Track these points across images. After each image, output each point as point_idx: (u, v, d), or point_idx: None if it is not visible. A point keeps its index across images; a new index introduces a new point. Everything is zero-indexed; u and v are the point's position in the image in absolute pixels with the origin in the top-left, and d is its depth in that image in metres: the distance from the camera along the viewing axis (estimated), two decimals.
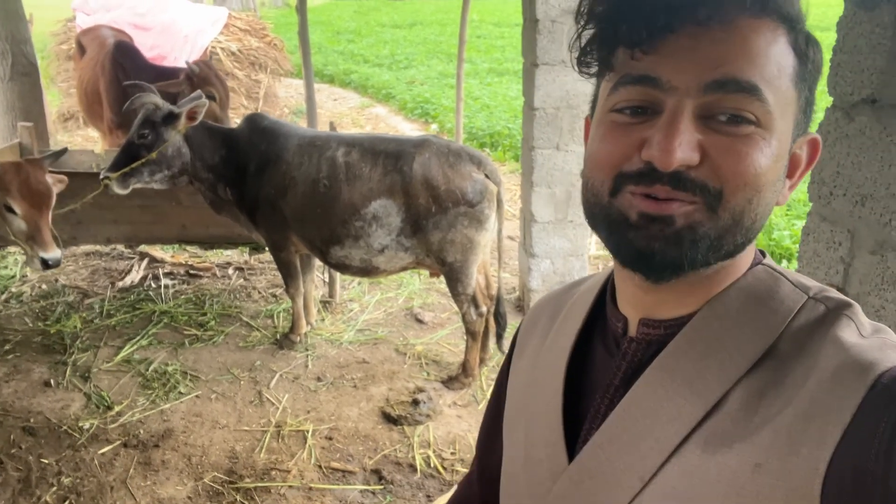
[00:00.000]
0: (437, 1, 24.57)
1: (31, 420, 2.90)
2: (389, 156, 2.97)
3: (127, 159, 3.03)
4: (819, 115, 1.14)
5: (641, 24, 0.54)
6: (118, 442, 2.77)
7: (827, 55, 1.01)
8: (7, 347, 3.46)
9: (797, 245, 1.49)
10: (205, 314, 3.83)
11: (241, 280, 4.30)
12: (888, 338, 0.55)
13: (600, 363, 0.68)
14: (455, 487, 0.99)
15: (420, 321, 3.83)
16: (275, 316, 3.86)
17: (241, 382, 3.22)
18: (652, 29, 0.54)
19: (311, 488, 2.54)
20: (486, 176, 2.95)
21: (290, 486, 2.54)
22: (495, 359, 3.40)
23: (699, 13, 0.53)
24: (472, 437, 2.85)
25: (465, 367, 3.21)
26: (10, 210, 2.76)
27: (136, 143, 3.04)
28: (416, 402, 2.99)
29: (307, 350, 3.49)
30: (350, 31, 17.26)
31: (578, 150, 3.64)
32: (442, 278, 3.19)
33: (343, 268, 3.20)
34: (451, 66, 10.96)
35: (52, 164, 2.99)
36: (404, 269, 3.22)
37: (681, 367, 0.59)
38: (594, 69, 0.61)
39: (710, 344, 0.58)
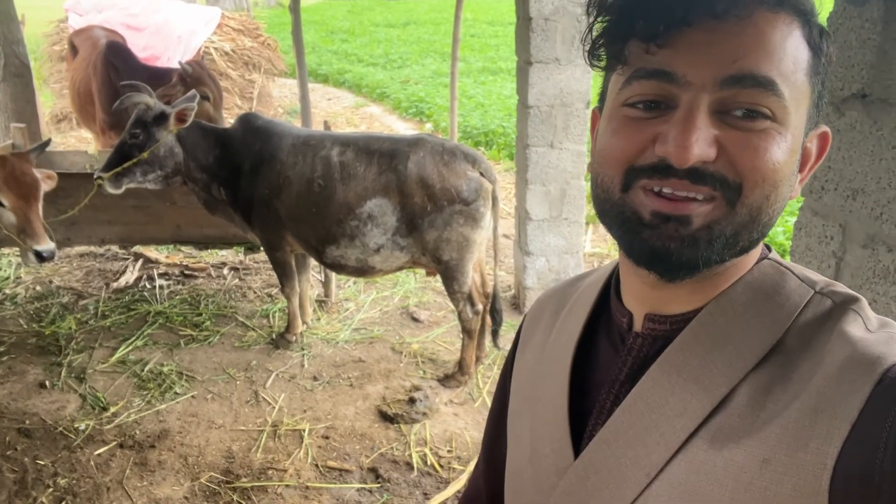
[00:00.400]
0: (431, 0, 24.55)
1: (27, 422, 2.89)
2: (384, 155, 2.98)
3: (120, 159, 3.04)
4: None
5: (658, 17, 0.53)
6: (114, 443, 2.77)
7: None
8: (2, 349, 3.44)
9: (790, 241, 1.50)
10: (200, 314, 3.82)
11: (237, 280, 4.30)
12: (895, 332, 0.54)
13: (605, 358, 0.68)
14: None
15: (416, 319, 3.83)
16: (270, 315, 3.86)
17: (237, 382, 3.21)
18: (668, 22, 0.53)
19: (307, 487, 2.55)
20: (481, 174, 2.96)
21: (287, 486, 2.54)
22: (491, 356, 3.41)
23: (716, 6, 0.52)
24: (469, 435, 2.86)
25: (461, 365, 3.21)
26: None
27: (128, 143, 3.05)
28: (412, 401, 2.99)
29: (303, 349, 3.49)
30: (344, 30, 17.23)
31: (573, 147, 3.65)
32: (438, 277, 3.19)
33: (339, 268, 3.20)
34: (446, 64, 10.96)
35: (39, 156, 3.01)
36: (400, 268, 3.22)
37: (687, 362, 0.59)
38: (604, 62, 0.60)
39: (717, 339, 0.58)
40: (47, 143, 3.13)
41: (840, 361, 0.52)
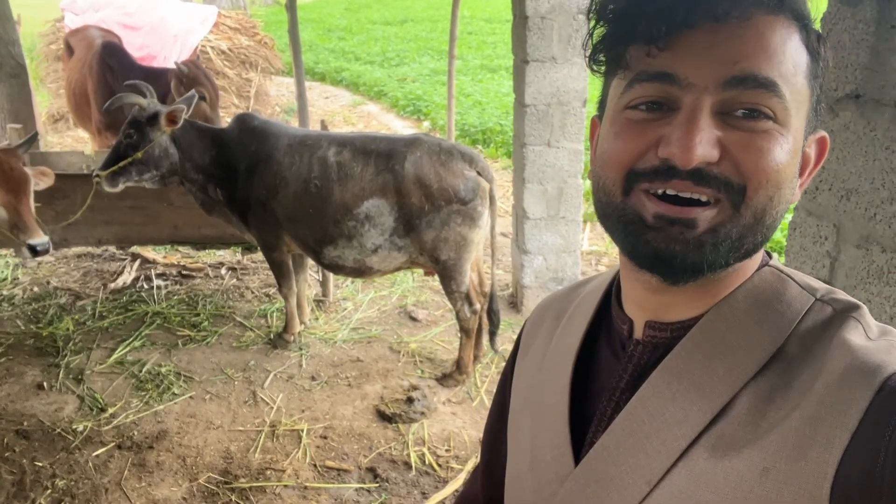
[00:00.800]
0: None
1: (25, 423, 2.89)
2: (381, 155, 2.97)
3: (117, 158, 3.06)
4: None
5: (659, 20, 0.53)
6: (112, 444, 2.77)
7: None
8: None
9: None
10: (198, 315, 3.82)
11: (234, 280, 4.30)
12: (895, 340, 0.54)
13: (606, 365, 0.68)
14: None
15: (414, 319, 3.83)
16: (268, 315, 3.86)
17: (236, 382, 3.22)
18: (670, 25, 0.53)
19: (306, 487, 2.55)
20: (478, 173, 2.96)
21: (286, 486, 2.55)
22: (489, 356, 3.41)
23: (717, 9, 0.53)
24: (467, 434, 2.86)
25: (458, 365, 3.21)
26: None
27: (124, 142, 3.06)
28: (410, 400, 3.00)
29: (301, 349, 3.49)
30: (341, 28, 17.20)
31: (569, 146, 3.65)
32: (435, 276, 3.19)
33: (336, 268, 3.20)
34: (443, 62, 10.94)
35: (27, 152, 3.00)
36: (398, 268, 3.22)
37: (688, 370, 0.58)
38: (605, 67, 0.60)
39: (718, 347, 0.58)
40: (34, 137, 3.12)
41: (841, 369, 0.52)
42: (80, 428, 2.86)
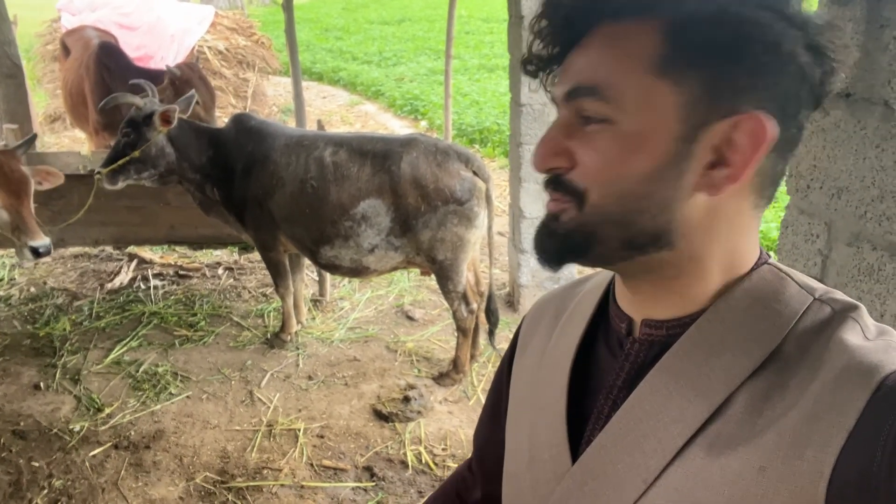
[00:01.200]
0: None
1: (21, 423, 2.89)
2: (377, 155, 2.98)
3: (116, 156, 3.08)
4: None
5: (556, 63, 0.62)
6: (109, 444, 2.77)
7: None
8: None
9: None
10: (195, 314, 3.82)
11: (231, 280, 4.30)
12: (893, 340, 0.55)
13: (604, 364, 0.68)
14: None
15: (411, 318, 3.84)
16: (265, 315, 3.86)
17: (232, 382, 3.22)
18: (556, 64, 0.61)
19: (302, 486, 2.55)
20: (475, 173, 2.96)
21: (282, 485, 2.55)
22: (486, 355, 3.42)
23: (574, 36, 0.59)
24: (464, 433, 2.87)
25: (455, 364, 3.22)
26: None
27: (122, 141, 3.08)
28: (407, 399, 3.00)
29: (298, 349, 3.50)
30: (338, 28, 17.18)
31: None
32: (432, 276, 3.20)
33: (333, 268, 3.21)
34: (440, 62, 10.93)
35: (26, 153, 3.00)
36: (395, 268, 3.22)
37: (685, 368, 0.59)
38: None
39: (715, 345, 0.58)
40: (33, 138, 3.13)
41: (838, 369, 0.53)
42: (77, 428, 2.86)
